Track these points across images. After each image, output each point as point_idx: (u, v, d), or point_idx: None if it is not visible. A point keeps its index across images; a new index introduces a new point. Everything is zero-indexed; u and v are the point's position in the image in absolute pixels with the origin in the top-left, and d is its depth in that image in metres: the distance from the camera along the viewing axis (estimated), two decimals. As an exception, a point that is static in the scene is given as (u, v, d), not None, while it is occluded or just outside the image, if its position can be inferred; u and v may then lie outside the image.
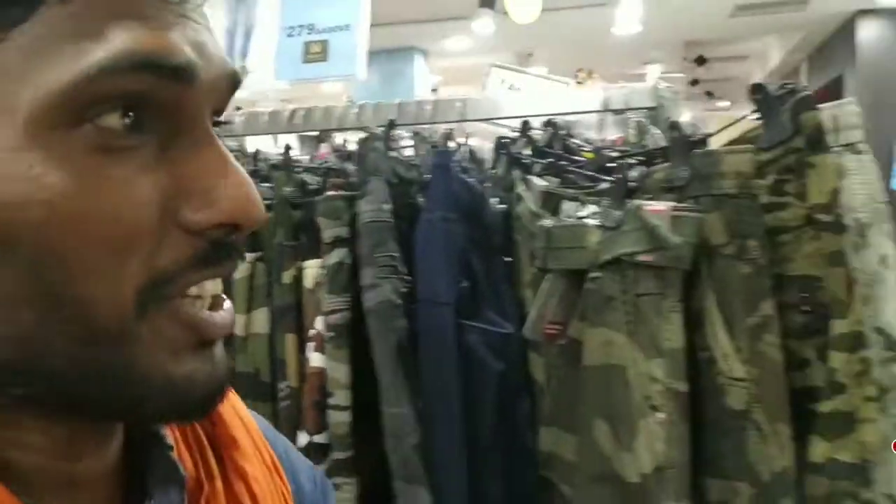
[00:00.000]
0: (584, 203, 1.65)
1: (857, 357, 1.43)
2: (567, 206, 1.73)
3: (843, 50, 5.83)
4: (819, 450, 1.41)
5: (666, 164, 1.57)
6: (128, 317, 0.37)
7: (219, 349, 0.42)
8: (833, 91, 6.13)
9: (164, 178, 0.37)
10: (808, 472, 1.42)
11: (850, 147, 1.54)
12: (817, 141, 1.45)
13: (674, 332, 1.43)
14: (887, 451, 1.54)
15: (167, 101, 0.37)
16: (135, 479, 0.46)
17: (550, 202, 1.76)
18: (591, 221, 1.57)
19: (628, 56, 7.77)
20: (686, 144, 1.52)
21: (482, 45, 6.96)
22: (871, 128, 4.95)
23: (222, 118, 0.42)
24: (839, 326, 1.41)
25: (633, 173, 1.60)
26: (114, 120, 0.35)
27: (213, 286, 0.41)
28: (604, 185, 1.63)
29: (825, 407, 1.41)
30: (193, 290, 0.40)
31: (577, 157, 1.89)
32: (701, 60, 8.12)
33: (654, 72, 8.09)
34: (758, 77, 9.21)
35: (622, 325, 1.49)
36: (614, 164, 1.71)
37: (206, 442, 0.50)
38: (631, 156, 1.67)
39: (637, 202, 1.47)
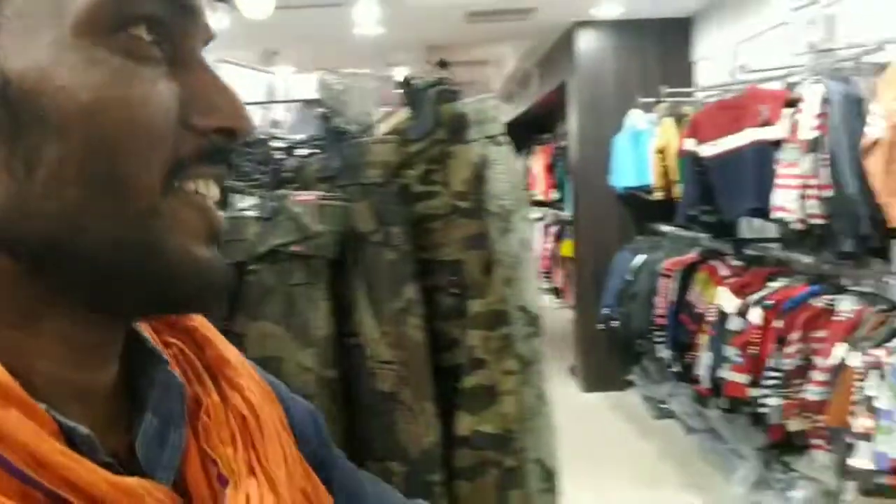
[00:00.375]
0: (245, 195, 1.63)
1: (498, 334, 1.53)
2: (235, 199, 1.70)
3: (565, 57, 6.29)
4: (464, 423, 1.50)
5: (322, 155, 1.59)
6: (155, 194, 0.43)
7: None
8: (559, 95, 6.60)
9: (177, 88, 0.45)
10: (456, 445, 1.50)
11: (493, 139, 1.65)
12: (457, 132, 1.54)
13: (323, 319, 1.45)
14: (534, 420, 1.66)
15: (177, 28, 0.45)
16: (137, 393, 0.49)
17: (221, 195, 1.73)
18: (249, 213, 1.56)
19: (373, 57, 7.89)
20: (338, 135, 1.55)
21: (221, 40, 6.74)
22: (591, 127, 5.30)
23: None
24: (476, 306, 1.49)
25: (292, 163, 1.60)
26: (142, 32, 0.44)
27: (213, 192, 0.48)
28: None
29: (468, 382, 1.50)
30: (202, 187, 0.47)
31: (252, 150, 1.87)
32: (443, 64, 8.47)
33: (399, 74, 8.25)
34: (497, 81, 9.72)
35: (279, 318, 1.48)
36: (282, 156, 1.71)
37: (198, 364, 0.53)
38: (289, 148, 1.68)
39: (285, 192, 1.48)
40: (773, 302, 3.38)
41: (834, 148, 2.83)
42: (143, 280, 0.44)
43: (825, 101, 2.87)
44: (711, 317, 3.83)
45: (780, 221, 3.24)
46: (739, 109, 3.63)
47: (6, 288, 0.43)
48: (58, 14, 0.42)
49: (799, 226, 3.04)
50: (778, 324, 3.27)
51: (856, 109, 2.79)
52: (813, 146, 2.90)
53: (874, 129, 2.61)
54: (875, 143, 2.60)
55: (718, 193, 3.78)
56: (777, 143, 3.29)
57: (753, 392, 3.39)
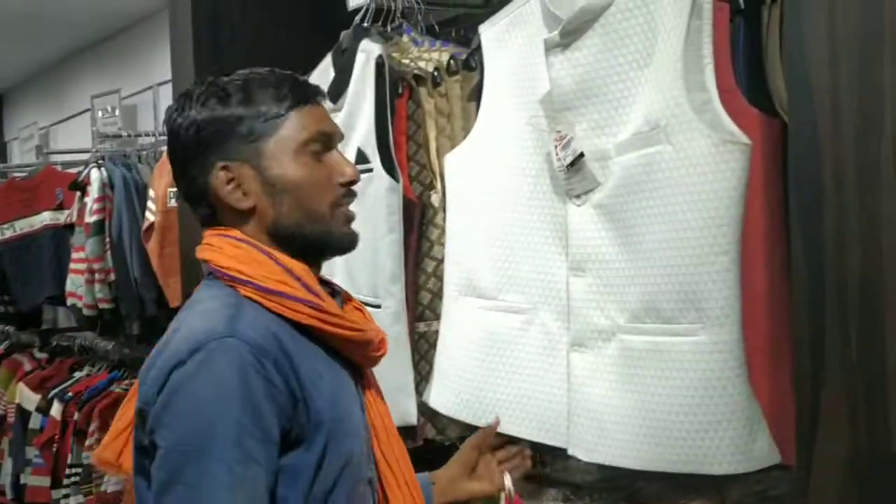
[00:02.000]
0: None
1: None
2: None
3: None
4: None
5: None
6: (327, 212, 1.13)
7: (353, 226, 1.18)
8: None
9: (329, 165, 1.15)
10: None
11: None
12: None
13: None
14: None
15: (328, 141, 1.16)
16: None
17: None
18: None
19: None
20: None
21: None
22: None
23: None
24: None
25: None
26: (318, 147, 1.13)
27: (350, 209, 1.18)
28: None
29: None
30: (344, 209, 1.16)
31: None
32: None
33: None
34: None
35: None
36: None
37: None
38: None
39: None
40: (73, 394, 3.20)
41: (116, 232, 2.81)
42: (325, 243, 1.15)
43: (107, 184, 2.85)
44: (12, 417, 3.47)
45: (74, 308, 3.09)
46: (34, 191, 3.42)
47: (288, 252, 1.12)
48: (291, 144, 1.12)
49: (89, 311, 2.94)
50: (77, 416, 3.10)
51: (136, 194, 2.83)
52: (97, 229, 2.85)
53: (150, 214, 2.67)
54: (151, 226, 2.65)
55: (13, 281, 3.48)
56: (72, 227, 3.17)
57: (55, 494, 3.13)
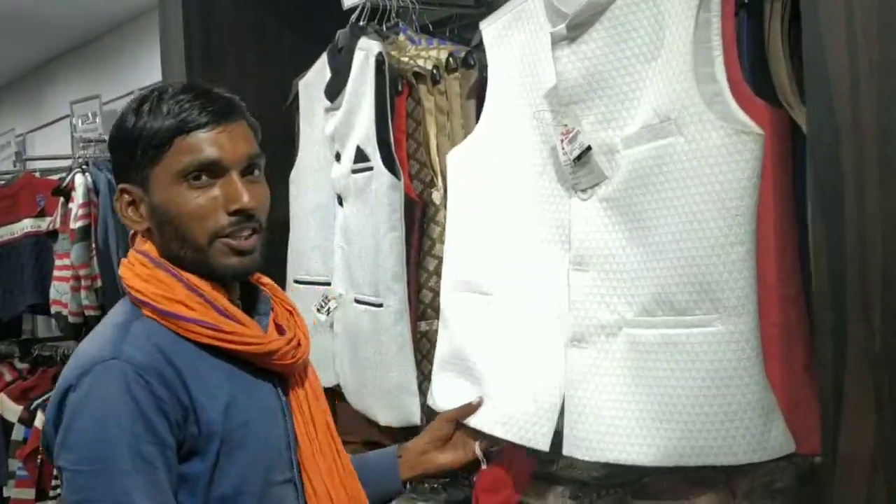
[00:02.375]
0: None
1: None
2: None
3: None
4: None
5: None
6: (204, 243, 1.11)
7: (249, 256, 1.15)
8: None
9: (219, 193, 1.13)
10: None
11: None
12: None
13: None
14: None
15: (213, 169, 1.13)
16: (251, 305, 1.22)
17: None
18: None
19: None
20: None
21: None
22: None
23: None
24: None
25: None
26: (200, 176, 1.11)
27: (247, 233, 1.14)
28: None
29: None
30: (228, 239, 1.12)
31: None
32: None
33: None
34: None
35: None
36: None
37: (272, 294, 1.26)
38: None
39: None
40: (58, 403, 3.14)
41: (102, 237, 2.77)
42: (208, 273, 1.14)
43: (92, 190, 2.81)
44: (-6, 429, 3.41)
45: (59, 316, 3.04)
46: (14, 198, 3.37)
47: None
48: (171, 173, 1.11)
49: (75, 319, 2.89)
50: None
51: (122, 199, 2.79)
52: (82, 235, 2.81)
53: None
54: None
55: (-6, 289, 3.42)
56: (54, 234, 3.12)
57: (41, 506, 3.08)
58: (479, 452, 1.42)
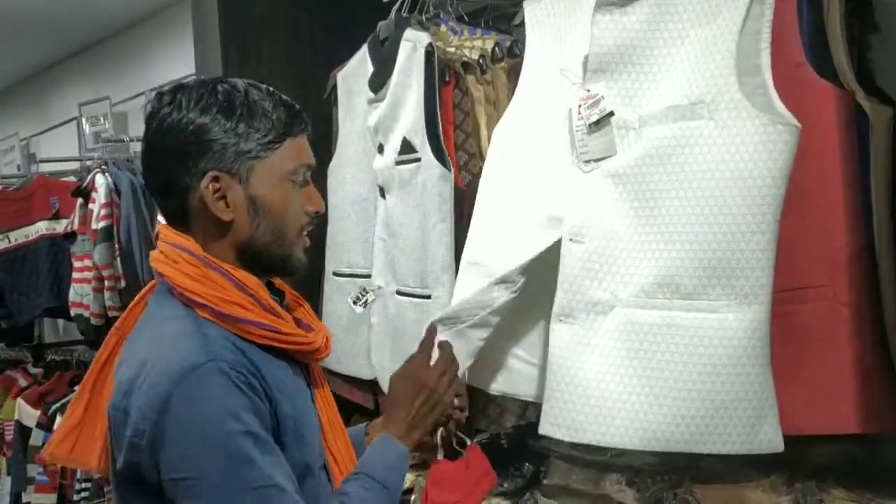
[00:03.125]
0: None
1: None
2: None
3: None
4: None
5: None
6: (294, 238, 1.18)
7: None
8: None
9: (304, 195, 1.19)
10: None
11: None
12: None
13: None
14: None
15: (307, 173, 1.20)
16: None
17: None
18: None
19: None
20: None
21: None
22: None
23: None
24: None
25: None
26: (300, 177, 1.18)
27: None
28: None
29: None
30: (306, 237, 1.20)
31: None
32: None
33: None
34: None
35: None
36: None
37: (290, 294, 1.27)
38: None
39: None
40: (78, 407, 3.11)
41: (125, 237, 2.76)
42: (283, 267, 1.19)
43: (114, 190, 2.79)
44: (10, 435, 3.37)
45: (79, 318, 3.02)
46: (28, 201, 3.34)
47: (247, 266, 1.16)
48: (278, 172, 1.15)
49: (97, 321, 2.87)
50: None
51: (144, 199, 2.78)
52: (105, 236, 2.79)
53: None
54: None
55: (9, 293, 3.39)
56: (72, 236, 3.09)
57: (65, 510, 3.05)
58: (438, 439, 1.36)
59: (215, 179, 1.12)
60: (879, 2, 1.39)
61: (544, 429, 1.37)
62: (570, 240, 1.36)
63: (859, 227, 1.26)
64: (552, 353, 1.37)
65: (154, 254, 1.16)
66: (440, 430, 1.35)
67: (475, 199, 1.66)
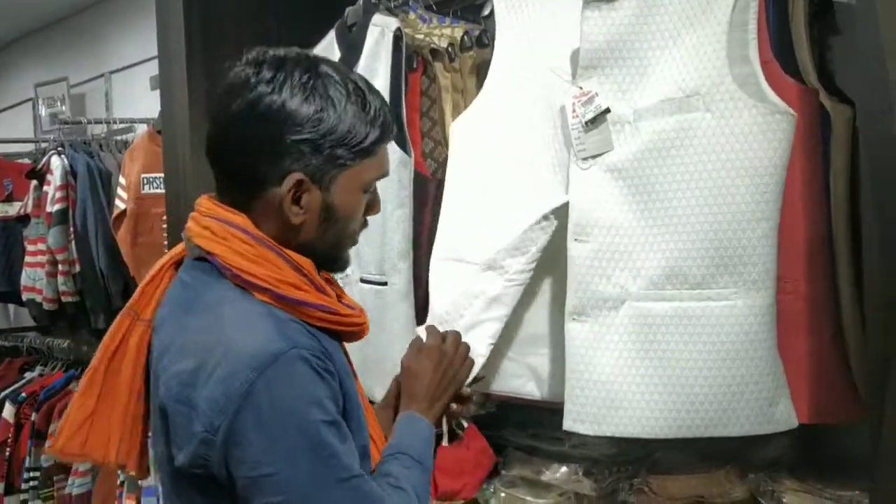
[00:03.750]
0: None
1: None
2: None
3: None
4: None
5: None
6: (350, 241, 1.12)
7: None
8: None
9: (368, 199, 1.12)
10: None
11: None
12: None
13: None
14: None
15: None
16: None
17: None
18: None
19: None
20: None
21: None
22: None
23: None
24: None
25: None
26: (375, 186, 1.12)
27: None
28: None
29: None
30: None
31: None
32: None
33: None
34: None
35: None
36: None
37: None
38: None
39: None
40: (26, 394, 3.05)
41: (81, 221, 2.70)
42: (330, 264, 1.13)
43: (69, 172, 2.73)
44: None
45: (31, 303, 2.95)
46: (-20, 183, 3.25)
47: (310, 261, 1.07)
48: (358, 185, 1.08)
49: (50, 305, 2.81)
50: (34, 418, 2.95)
51: (101, 182, 2.72)
52: (60, 219, 2.73)
53: (121, 202, 2.57)
54: (122, 214, 2.56)
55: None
56: (25, 219, 3.02)
57: (11, 501, 2.98)
58: (445, 425, 1.33)
59: (299, 184, 1.02)
60: (840, 5, 1.42)
61: (568, 425, 1.39)
62: (575, 240, 1.38)
63: (819, 222, 1.28)
64: (569, 352, 1.39)
65: (195, 228, 1.07)
66: (444, 420, 1.32)
67: (441, 187, 1.66)
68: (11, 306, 3.82)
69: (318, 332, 1.04)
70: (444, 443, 1.35)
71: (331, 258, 1.12)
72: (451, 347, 1.26)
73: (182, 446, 0.99)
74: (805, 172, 1.28)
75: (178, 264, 1.14)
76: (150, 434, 1.14)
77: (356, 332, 1.13)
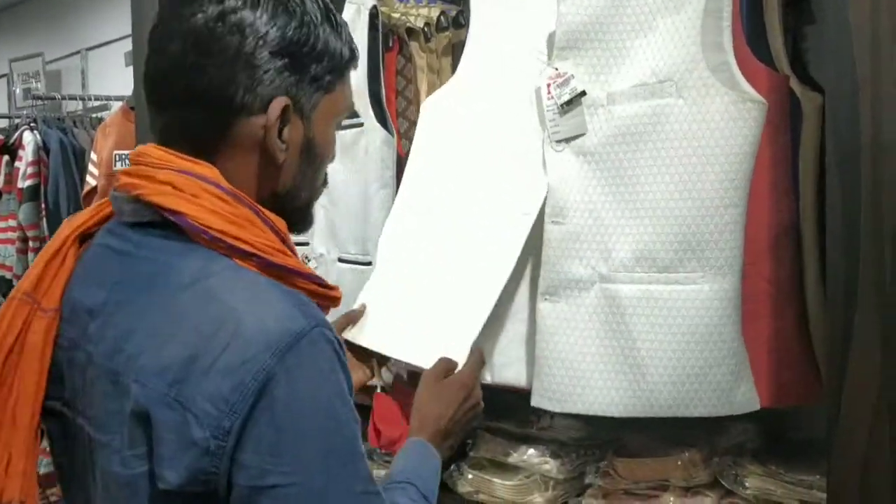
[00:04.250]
0: None
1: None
2: None
3: None
4: None
5: None
6: (319, 189, 1.00)
7: None
8: None
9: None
10: None
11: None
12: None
13: None
14: None
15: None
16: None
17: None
18: None
19: None
20: None
21: None
22: None
23: None
24: None
25: None
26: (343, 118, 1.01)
27: None
28: None
29: None
30: None
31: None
32: None
33: None
34: None
35: None
36: None
37: None
38: None
39: None
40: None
41: (52, 197, 2.68)
42: (299, 220, 0.99)
43: (42, 148, 2.71)
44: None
45: (1, 280, 2.92)
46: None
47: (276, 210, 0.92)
48: (331, 112, 0.95)
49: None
50: None
51: (74, 158, 2.70)
52: (31, 195, 2.70)
53: (91, 178, 2.55)
54: (93, 190, 2.53)
55: (-73, 252, 3.26)
56: (-5, 195, 2.99)
57: None
58: (383, 374, 1.29)
59: (286, 109, 0.89)
60: (814, -7, 1.44)
61: (536, 401, 1.40)
62: (552, 222, 1.38)
63: (786, 206, 1.29)
64: (539, 330, 1.40)
65: (148, 185, 0.86)
66: (375, 361, 1.32)
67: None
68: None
69: None
70: (378, 389, 1.36)
71: (304, 212, 0.97)
72: (478, 385, 1.20)
73: (173, 461, 0.78)
74: (774, 157, 1.29)
75: (83, 237, 0.95)
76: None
77: (332, 307, 0.96)
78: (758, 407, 1.31)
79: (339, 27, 0.94)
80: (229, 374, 0.77)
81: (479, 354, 1.33)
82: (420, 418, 1.13)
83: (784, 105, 1.29)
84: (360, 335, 1.48)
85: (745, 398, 1.30)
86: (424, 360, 1.34)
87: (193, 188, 0.85)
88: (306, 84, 0.90)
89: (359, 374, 1.36)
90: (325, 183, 1.01)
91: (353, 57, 0.96)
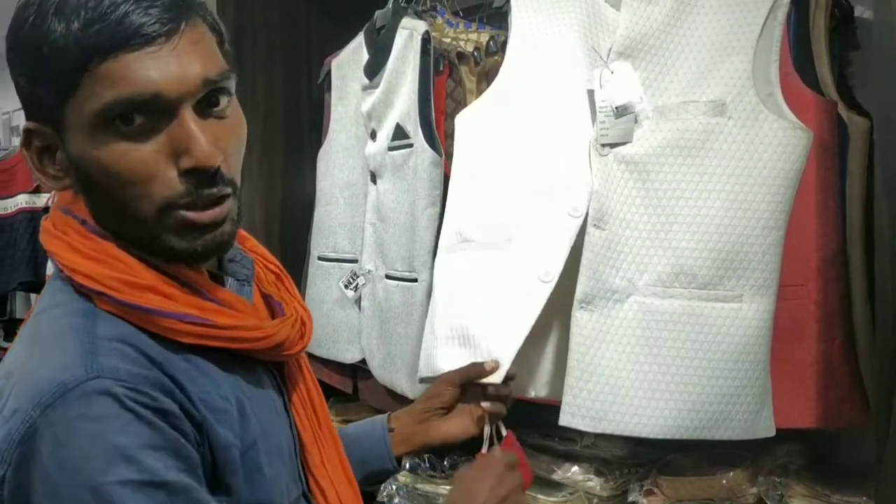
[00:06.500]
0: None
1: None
2: None
3: None
4: None
5: None
6: (152, 215, 0.78)
7: (219, 230, 0.81)
8: None
9: (165, 142, 0.78)
10: None
11: None
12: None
13: None
14: None
15: (152, 109, 0.76)
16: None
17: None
18: None
19: None
20: None
21: None
22: None
23: None
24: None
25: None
26: (131, 119, 0.75)
27: (211, 199, 0.79)
28: None
29: None
30: (185, 212, 0.79)
31: None
32: None
33: None
34: None
35: None
36: None
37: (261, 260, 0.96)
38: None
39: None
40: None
41: None
42: (166, 256, 0.82)
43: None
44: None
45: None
46: (10, 173, 3.33)
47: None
48: (83, 120, 0.75)
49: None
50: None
51: None
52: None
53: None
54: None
55: (-14, 265, 3.37)
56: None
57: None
58: (487, 428, 1.22)
59: (30, 133, 0.80)
60: (861, 20, 1.45)
61: (565, 419, 1.34)
62: (594, 225, 1.35)
63: (835, 231, 1.31)
64: (573, 342, 1.35)
65: (44, 223, 0.86)
66: (486, 423, 1.23)
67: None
68: (34, 295, 3.89)
69: (189, 351, 0.79)
70: (483, 450, 1.22)
71: (149, 244, 0.80)
72: (513, 472, 1.11)
73: None
74: (823, 181, 1.31)
75: None
76: None
77: (261, 348, 0.85)
78: (774, 433, 1.31)
79: (60, 7, 0.76)
80: (5, 422, 0.72)
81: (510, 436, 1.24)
82: (464, 489, 1.10)
83: (832, 130, 1.31)
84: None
85: (766, 424, 1.30)
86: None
87: (64, 225, 0.83)
88: (39, 99, 0.79)
89: (466, 423, 1.22)
90: (176, 205, 0.79)
91: (96, 47, 0.75)
